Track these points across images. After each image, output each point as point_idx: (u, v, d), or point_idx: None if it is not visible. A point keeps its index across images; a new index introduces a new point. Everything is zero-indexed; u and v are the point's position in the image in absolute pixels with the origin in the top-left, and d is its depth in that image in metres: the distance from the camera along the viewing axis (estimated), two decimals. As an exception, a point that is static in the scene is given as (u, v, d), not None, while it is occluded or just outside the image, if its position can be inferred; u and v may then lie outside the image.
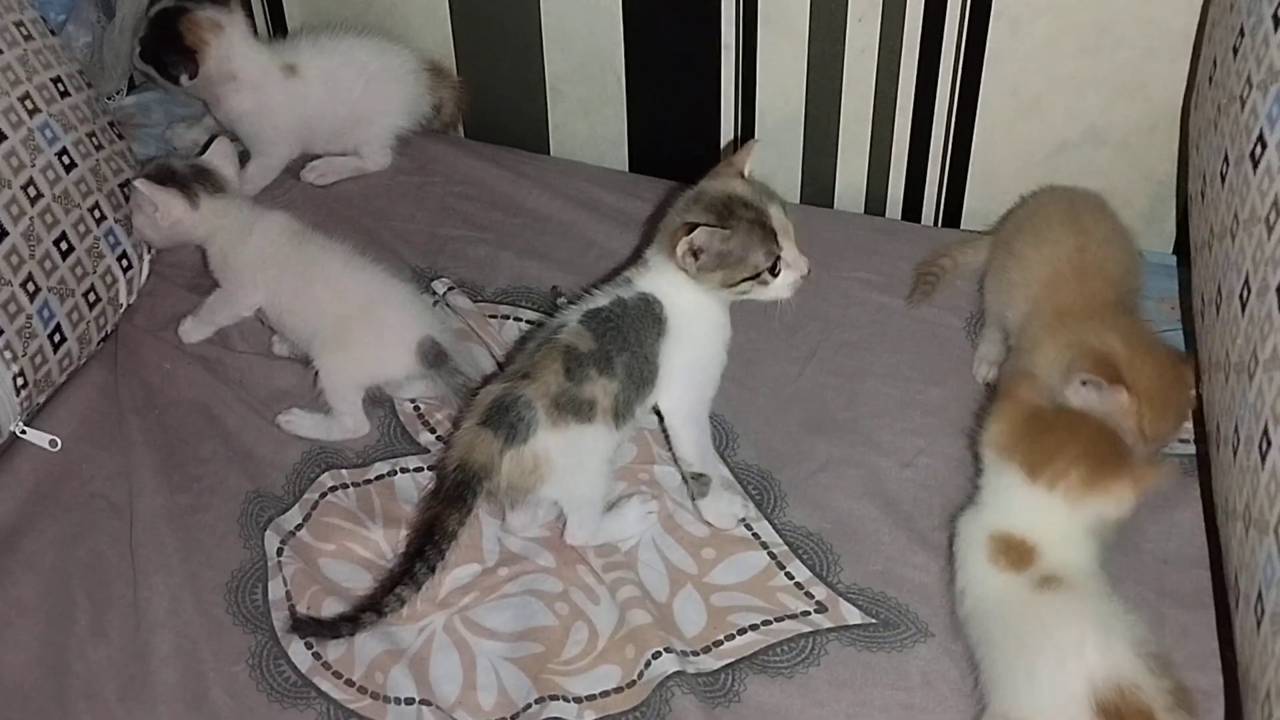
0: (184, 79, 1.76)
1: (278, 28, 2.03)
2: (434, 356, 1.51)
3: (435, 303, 1.70)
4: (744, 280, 1.33)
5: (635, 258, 1.47)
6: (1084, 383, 1.32)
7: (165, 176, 1.60)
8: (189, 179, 1.61)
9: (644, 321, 1.36)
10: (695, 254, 1.32)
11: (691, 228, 1.30)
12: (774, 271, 1.33)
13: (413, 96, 1.89)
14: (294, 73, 1.82)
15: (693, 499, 1.45)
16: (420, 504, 1.44)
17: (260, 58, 1.80)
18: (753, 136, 1.88)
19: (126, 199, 1.64)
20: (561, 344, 1.34)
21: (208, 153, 1.66)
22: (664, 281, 1.37)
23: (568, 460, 1.33)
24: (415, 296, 1.57)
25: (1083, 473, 1.21)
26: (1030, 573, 1.21)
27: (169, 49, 1.75)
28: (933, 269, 1.66)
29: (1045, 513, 1.22)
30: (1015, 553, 1.22)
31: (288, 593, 1.38)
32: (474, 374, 1.54)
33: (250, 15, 1.95)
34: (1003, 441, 1.27)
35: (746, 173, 1.38)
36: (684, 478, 1.45)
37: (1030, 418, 1.26)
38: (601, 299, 1.38)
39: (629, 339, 1.35)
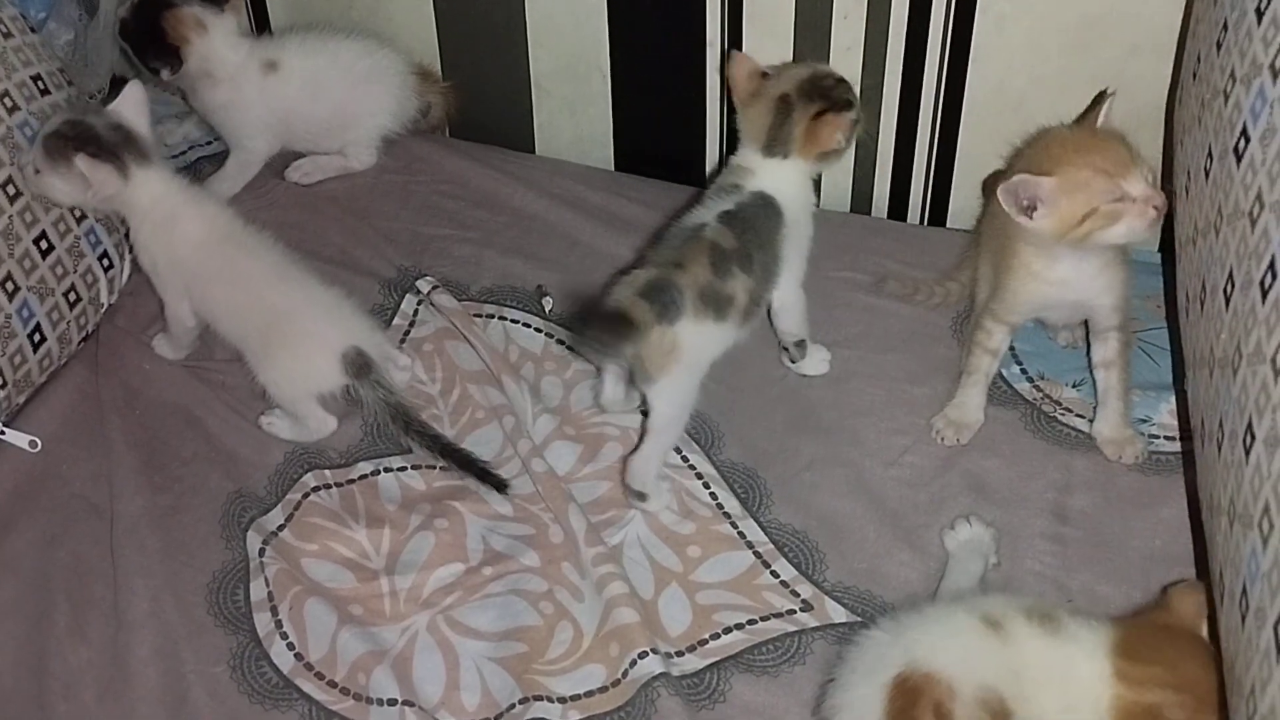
0: (165, 74, 1.76)
1: (261, 27, 2.02)
2: (358, 367, 1.47)
3: (420, 301, 1.70)
4: (855, 127, 1.47)
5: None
6: (1024, 209, 1.34)
7: (90, 142, 1.47)
8: (116, 145, 1.49)
9: (769, 219, 1.45)
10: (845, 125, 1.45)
11: (828, 111, 1.44)
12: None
13: (399, 99, 1.88)
14: (274, 69, 1.81)
15: (791, 361, 1.59)
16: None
17: (238, 56, 1.79)
18: (737, 135, 1.87)
19: (47, 155, 1.47)
20: (707, 240, 1.39)
21: (119, 102, 1.52)
22: (771, 178, 1.47)
23: (691, 357, 1.38)
24: (340, 305, 1.52)
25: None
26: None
27: (152, 45, 1.74)
28: (921, 283, 1.66)
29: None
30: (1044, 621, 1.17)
31: (269, 593, 1.37)
32: (399, 387, 1.52)
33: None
34: (1129, 639, 1.16)
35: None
36: (784, 348, 1.58)
37: (1166, 630, 1.17)
38: (726, 203, 1.44)
39: (763, 237, 1.44)
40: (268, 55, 1.82)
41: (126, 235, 1.64)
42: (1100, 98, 1.44)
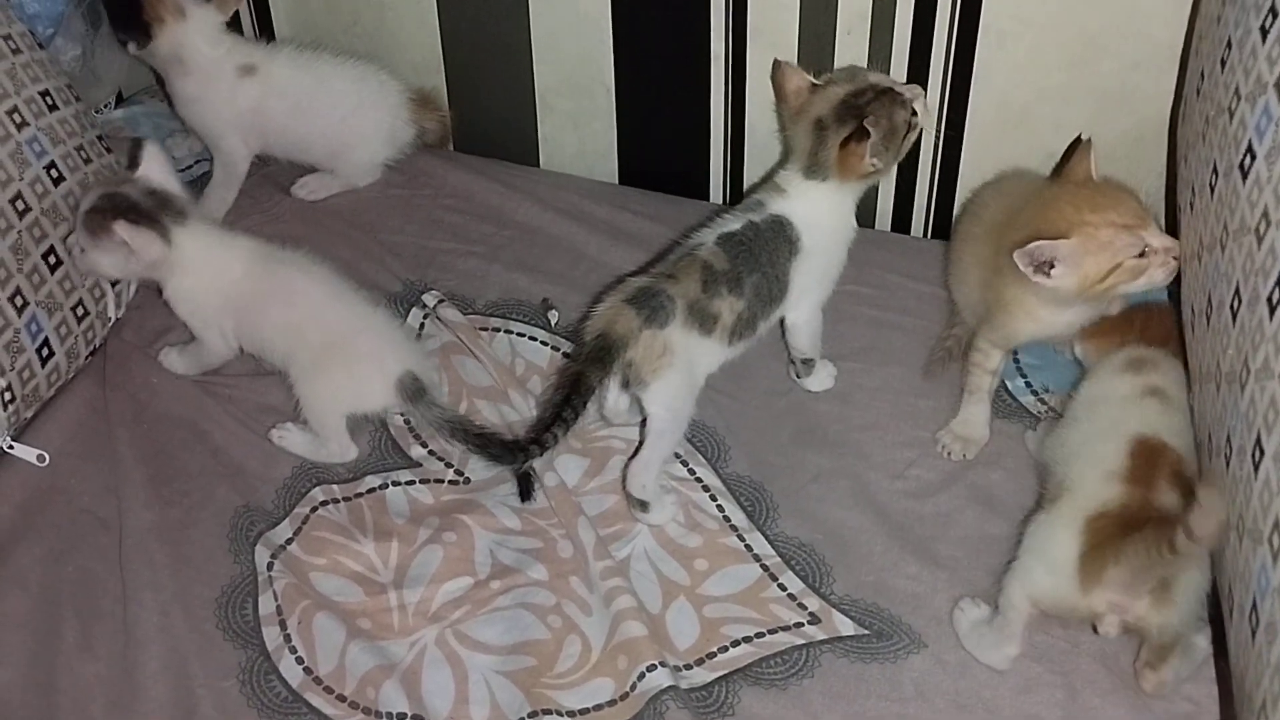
0: (131, 48, 1.76)
1: (265, 38, 2.03)
2: (413, 391, 1.47)
3: (426, 315, 1.70)
4: (905, 138, 1.45)
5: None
6: (1037, 267, 1.34)
7: (129, 210, 1.48)
8: (155, 211, 1.50)
9: (777, 243, 1.46)
10: (872, 153, 1.42)
11: (853, 137, 1.41)
12: (914, 113, 1.45)
13: (391, 128, 1.89)
14: (251, 73, 1.81)
15: (798, 377, 1.60)
16: (560, 367, 1.58)
17: (216, 51, 1.79)
18: (742, 148, 1.88)
19: (89, 231, 1.49)
20: (700, 259, 1.42)
21: (145, 166, 1.53)
22: (801, 203, 1.47)
23: (681, 364, 1.40)
24: (394, 327, 1.54)
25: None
26: (1143, 379, 1.37)
27: (125, 13, 1.74)
28: (946, 343, 1.64)
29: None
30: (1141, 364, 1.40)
31: (278, 607, 1.38)
32: (451, 407, 1.51)
33: (238, 25, 1.96)
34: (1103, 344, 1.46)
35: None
36: (791, 361, 1.60)
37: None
38: (734, 222, 1.46)
39: (760, 260, 1.45)
40: (249, 59, 1.81)
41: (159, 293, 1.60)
42: (1076, 144, 1.45)
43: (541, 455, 1.40)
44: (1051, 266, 1.34)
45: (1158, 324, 1.46)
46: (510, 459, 1.42)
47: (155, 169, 1.54)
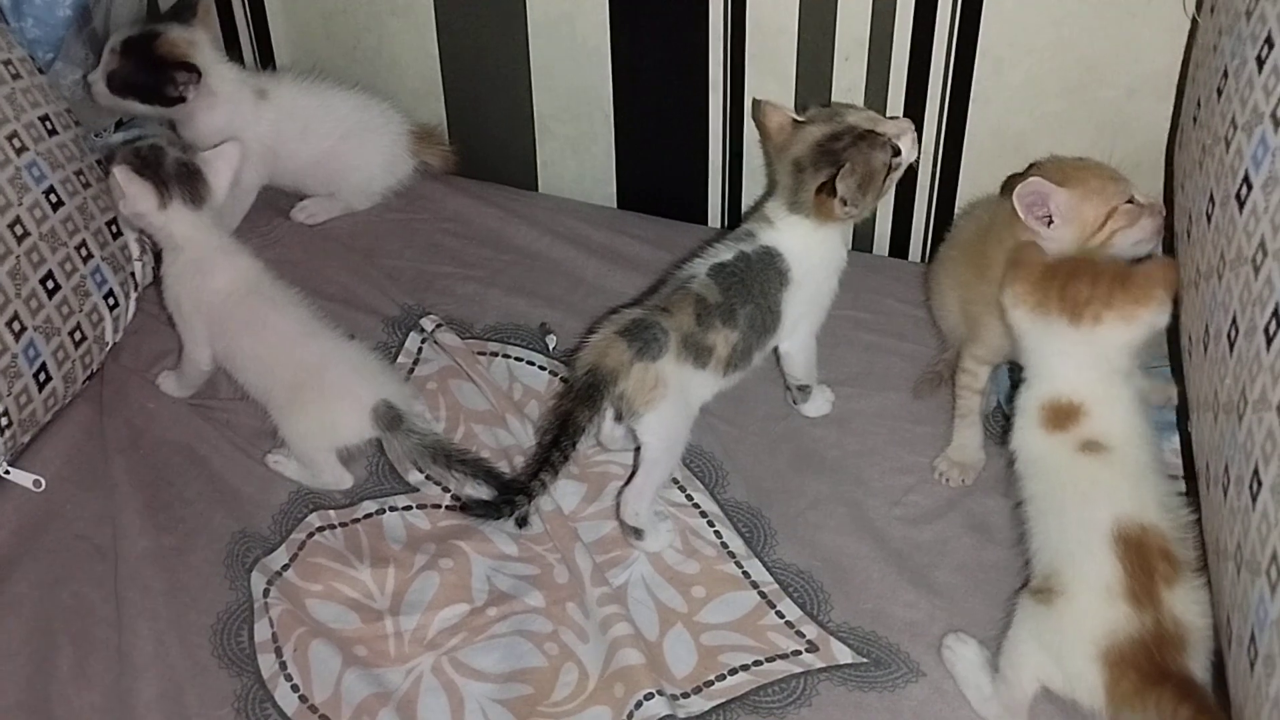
0: (191, 91, 1.75)
1: (266, 66, 2.03)
2: (389, 420, 1.47)
3: (424, 339, 1.70)
4: (886, 179, 1.44)
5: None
6: (1036, 216, 1.37)
7: (149, 165, 1.52)
8: (170, 177, 1.52)
9: (768, 275, 1.46)
10: (846, 201, 1.42)
11: (826, 187, 1.41)
12: (896, 152, 1.43)
13: (390, 157, 1.90)
14: (265, 97, 1.82)
15: (795, 403, 1.60)
16: (551, 403, 1.57)
17: (234, 74, 1.81)
18: (740, 173, 1.89)
19: (107, 171, 1.55)
20: (694, 292, 1.42)
21: (213, 151, 1.58)
22: (788, 236, 1.47)
23: (674, 395, 1.40)
24: (367, 360, 1.53)
25: (1122, 294, 1.29)
26: (1075, 434, 1.29)
27: (160, 74, 1.74)
28: (937, 367, 1.64)
29: (1090, 362, 1.30)
30: (1063, 415, 1.30)
31: (274, 634, 1.37)
32: (431, 431, 1.50)
33: (238, 51, 1.97)
34: (1034, 299, 1.32)
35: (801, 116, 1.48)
36: (788, 387, 1.60)
37: (1047, 272, 1.33)
38: (725, 253, 1.46)
39: (753, 291, 1.45)
40: (259, 84, 1.83)
41: (156, 281, 1.63)
42: (1031, 169, 1.49)
43: (529, 503, 1.40)
44: (1050, 222, 1.38)
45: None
46: (495, 514, 1.41)
47: (220, 160, 1.57)
